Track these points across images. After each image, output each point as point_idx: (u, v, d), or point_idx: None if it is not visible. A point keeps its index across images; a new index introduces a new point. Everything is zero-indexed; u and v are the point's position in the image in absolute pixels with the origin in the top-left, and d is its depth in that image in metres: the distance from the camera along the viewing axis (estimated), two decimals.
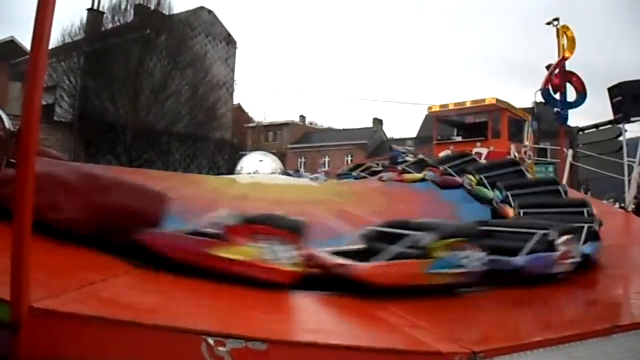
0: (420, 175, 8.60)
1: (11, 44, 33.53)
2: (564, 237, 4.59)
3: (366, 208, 6.85)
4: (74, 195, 3.21)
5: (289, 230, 3.58)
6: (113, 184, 3.51)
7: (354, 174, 10.63)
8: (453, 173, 8.59)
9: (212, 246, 3.36)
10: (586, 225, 5.13)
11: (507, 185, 7.34)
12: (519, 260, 4.30)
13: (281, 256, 3.44)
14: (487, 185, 8.04)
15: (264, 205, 5.99)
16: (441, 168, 8.98)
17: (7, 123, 2.09)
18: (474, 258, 4.00)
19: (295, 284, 3.45)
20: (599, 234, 5.28)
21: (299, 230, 3.69)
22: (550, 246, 4.45)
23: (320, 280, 3.61)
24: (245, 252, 3.37)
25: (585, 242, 5.04)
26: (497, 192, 7.79)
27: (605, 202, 11.09)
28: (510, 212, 6.81)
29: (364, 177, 10.29)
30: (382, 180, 9.35)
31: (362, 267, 3.68)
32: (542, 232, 4.53)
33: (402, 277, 3.69)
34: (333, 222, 5.63)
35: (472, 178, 8.18)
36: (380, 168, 10.66)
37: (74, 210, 3.19)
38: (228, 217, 3.59)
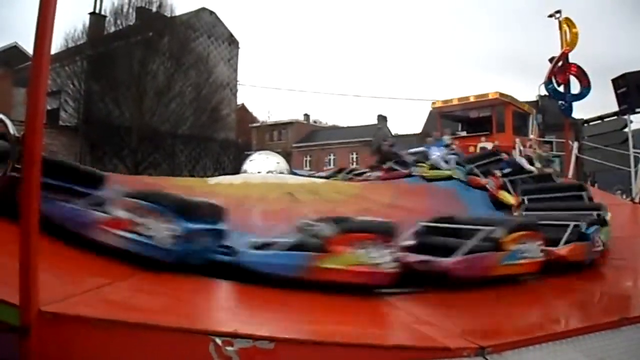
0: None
1: (14, 50, 33.66)
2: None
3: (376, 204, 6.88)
4: None
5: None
6: None
7: (339, 176, 10.52)
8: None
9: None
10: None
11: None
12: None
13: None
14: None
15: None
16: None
17: (12, 129, 2.10)
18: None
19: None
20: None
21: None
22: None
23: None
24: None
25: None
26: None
27: (613, 194, 11.03)
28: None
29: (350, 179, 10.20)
30: (369, 180, 9.44)
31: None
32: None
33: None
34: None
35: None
36: (365, 170, 10.60)
37: None
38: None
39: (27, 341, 1.98)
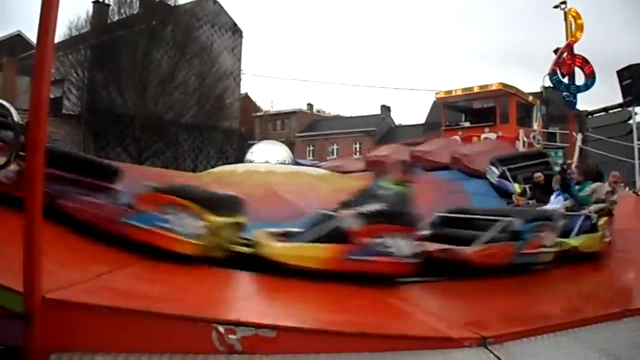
0: None
1: (18, 39, 33.58)
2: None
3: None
4: None
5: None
6: None
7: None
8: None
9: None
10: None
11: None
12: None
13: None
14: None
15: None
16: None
17: (16, 117, 2.09)
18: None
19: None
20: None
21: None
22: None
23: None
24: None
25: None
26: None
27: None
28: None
29: None
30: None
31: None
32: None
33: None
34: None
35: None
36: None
37: None
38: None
39: (30, 328, 1.99)
